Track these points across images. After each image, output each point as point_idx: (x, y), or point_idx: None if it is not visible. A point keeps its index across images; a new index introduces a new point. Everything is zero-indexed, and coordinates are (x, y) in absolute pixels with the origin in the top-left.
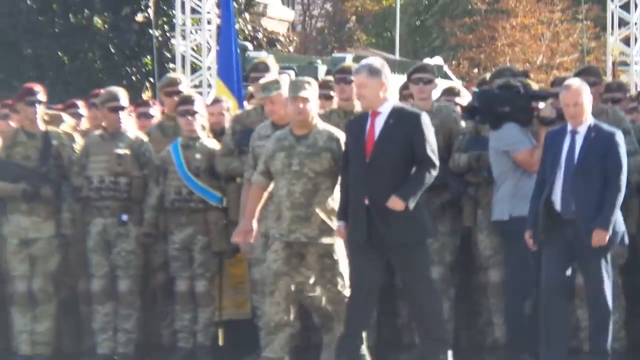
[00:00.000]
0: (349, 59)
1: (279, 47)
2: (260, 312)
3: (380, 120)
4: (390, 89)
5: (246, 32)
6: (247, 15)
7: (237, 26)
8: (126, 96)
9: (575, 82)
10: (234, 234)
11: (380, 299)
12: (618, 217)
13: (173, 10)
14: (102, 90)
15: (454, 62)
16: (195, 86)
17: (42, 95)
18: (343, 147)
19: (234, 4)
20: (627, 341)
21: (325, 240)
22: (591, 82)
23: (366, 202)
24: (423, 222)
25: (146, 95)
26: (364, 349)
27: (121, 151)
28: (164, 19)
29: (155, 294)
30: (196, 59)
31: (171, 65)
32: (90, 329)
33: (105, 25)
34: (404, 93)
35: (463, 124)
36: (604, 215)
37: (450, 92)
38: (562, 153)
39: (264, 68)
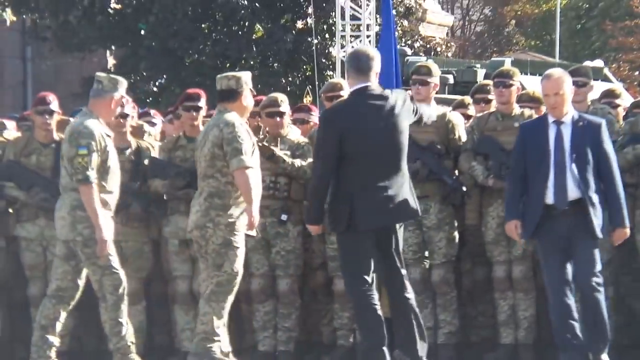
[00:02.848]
0: (507, 63)
1: (437, 51)
2: (417, 310)
3: None
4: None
5: (404, 39)
6: (405, 22)
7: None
8: (286, 102)
9: (557, 72)
10: None
11: None
12: (600, 207)
13: (333, 18)
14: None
15: (614, 65)
16: None
17: (202, 102)
18: None
19: (394, 11)
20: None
21: None
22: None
23: None
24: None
25: (307, 100)
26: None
27: (281, 153)
28: (324, 26)
29: (315, 293)
30: None
31: (329, 72)
32: (251, 327)
33: (264, 33)
34: None
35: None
36: (618, 212)
37: (610, 95)
38: (549, 145)
39: (426, 72)
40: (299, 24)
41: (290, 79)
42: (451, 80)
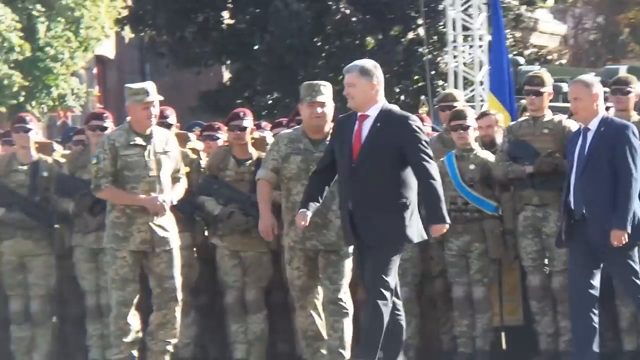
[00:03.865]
0: (622, 70)
1: (548, 59)
2: (538, 318)
3: (367, 123)
4: (381, 91)
5: (515, 48)
6: (516, 33)
7: (507, 42)
8: None
9: (583, 78)
10: None
11: None
12: (638, 211)
13: (443, 28)
14: None
15: None
16: (468, 100)
17: None
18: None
19: (504, 20)
20: None
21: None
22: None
23: (349, 206)
24: (402, 227)
25: (423, 110)
26: None
27: None
28: (435, 37)
29: (434, 300)
30: (468, 74)
31: (440, 82)
32: None
33: (375, 45)
34: None
35: None
36: (618, 213)
37: None
38: (574, 152)
39: (539, 82)
40: (410, 35)
41: (402, 87)
42: (565, 89)
